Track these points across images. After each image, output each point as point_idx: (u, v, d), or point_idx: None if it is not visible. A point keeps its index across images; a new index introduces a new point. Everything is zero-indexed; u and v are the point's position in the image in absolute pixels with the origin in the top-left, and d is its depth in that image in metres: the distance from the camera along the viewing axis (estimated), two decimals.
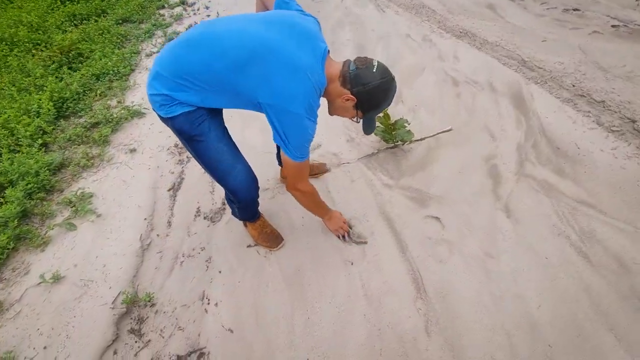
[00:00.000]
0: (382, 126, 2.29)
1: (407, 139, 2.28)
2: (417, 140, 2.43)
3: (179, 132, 1.37)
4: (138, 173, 2.47)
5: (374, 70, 1.23)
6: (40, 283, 1.77)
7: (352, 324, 1.55)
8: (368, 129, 1.45)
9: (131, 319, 1.67)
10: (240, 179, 1.49)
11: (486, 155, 2.25)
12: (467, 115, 2.58)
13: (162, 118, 1.35)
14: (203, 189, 2.28)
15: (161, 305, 1.71)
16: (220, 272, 1.82)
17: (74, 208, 2.19)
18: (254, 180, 1.56)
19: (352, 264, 1.78)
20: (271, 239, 1.89)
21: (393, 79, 1.28)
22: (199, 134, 1.36)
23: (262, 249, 1.90)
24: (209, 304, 1.70)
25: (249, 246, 1.92)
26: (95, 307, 1.69)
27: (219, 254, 1.90)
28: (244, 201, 1.62)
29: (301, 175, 1.46)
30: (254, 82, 1.20)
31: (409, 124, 2.31)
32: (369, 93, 1.24)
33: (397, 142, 2.35)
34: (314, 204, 1.70)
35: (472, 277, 1.64)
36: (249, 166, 1.53)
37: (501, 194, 2.00)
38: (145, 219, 2.13)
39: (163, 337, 1.59)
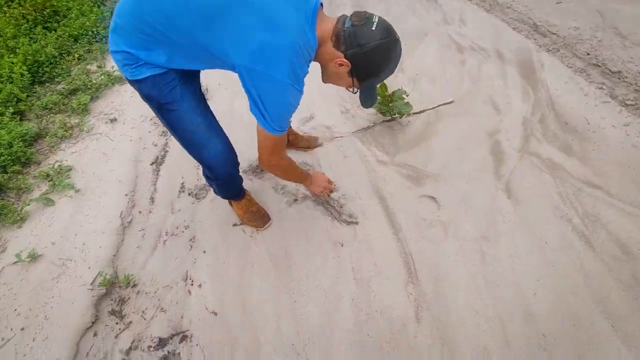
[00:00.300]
0: (379, 98, 2.11)
1: (405, 111, 2.11)
2: (416, 113, 2.26)
3: (147, 99, 1.20)
4: (119, 145, 2.32)
5: (373, 28, 1.00)
6: (16, 262, 1.68)
7: (340, 308, 1.49)
8: (366, 100, 1.23)
9: (112, 300, 1.60)
10: (215, 153, 1.34)
11: (489, 129, 2.09)
12: (471, 84, 2.39)
13: (128, 80, 1.18)
14: (188, 164, 2.13)
15: (143, 286, 1.64)
16: (204, 251, 1.74)
17: (51, 182, 2.07)
18: (231, 155, 1.41)
19: (342, 245, 1.69)
20: (257, 218, 1.79)
21: (397, 40, 1.05)
22: (170, 101, 1.19)
23: (248, 228, 1.80)
24: (192, 284, 1.63)
25: (234, 225, 1.82)
26: (74, 287, 1.62)
27: (203, 233, 1.81)
28: (220, 178, 1.49)
29: (277, 150, 1.24)
30: (225, 41, 1.01)
31: (407, 95, 2.13)
32: (366, 56, 1.02)
33: (395, 115, 2.18)
34: (293, 174, 1.52)
35: (466, 261, 1.56)
36: (227, 140, 1.38)
37: (503, 172, 1.87)
38: (126, 194, 2.01)
39: (145, 319, 1.53)
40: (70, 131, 2.42)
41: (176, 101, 1.20)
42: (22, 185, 2.06)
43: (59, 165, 2.16)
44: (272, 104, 1.07)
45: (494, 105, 2.23)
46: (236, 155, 1.44)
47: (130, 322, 1.53)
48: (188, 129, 1.27)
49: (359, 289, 1.53)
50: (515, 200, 1.75)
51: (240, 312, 1.52)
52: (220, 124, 1.38)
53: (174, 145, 2.28)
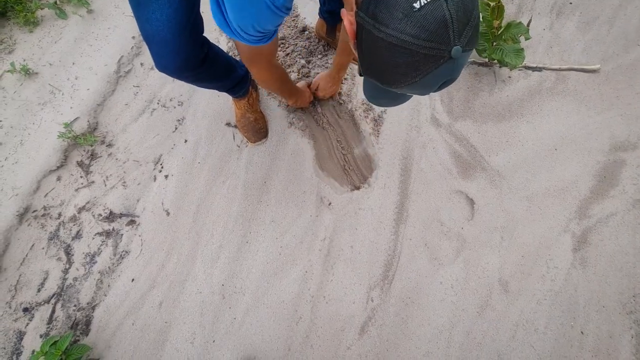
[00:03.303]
0: (482, 25, 1.31)
1: (513, 63, 1.32)
2: (529, 69, 1.44)
3: None
4: None
5: (416, 9, 0.44)
6: (9, 71, 1.53)
7: (288, 274, 1.22)
8: (365, 90, 0.70)
9: (84, 151, 1.45)
10: (149, 37, 0.85)
11: (619, 138, 1.30)
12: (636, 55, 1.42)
13: None
14: (212, 28, 1.65)
15: (116, 150, 1.45)
16: (185, 140, 1.45)
17: None
18: (174, 47, 0.86)
19: (329, 204, 1.30)
20: (252, 129, 1.39)
21: (440, 56, 0.46)
22: None
23: (239, 135, 1.44)
24: (160, 172, 1.41)
25: (227, 124, 1.46)
26: (53, 123, 1.47)
27: (193, 119, 1.48)
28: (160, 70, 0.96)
29: (250, 60, 0.91)
30: None
31: (528, 38, 1.29)
32: (374, 43, 0.50)
33: (494, 60, 1.40)
34: (273, 88, 1.18)
35: (458, 304, 1.14)
36: (179, 19, 0.83)
37: (594, 212, 1.20)
38: (134, 37, 1.65)
39: (105, 186, 1.40)
40: None
41: None
42: None
43: None
44: (236, 5, 0.65)
45: None
46: (187, 51, 0.89)
47: (93, 183, 1.40)
48: None
49: (318, 264, 1.22)
50: (582, 258, 1.15)
51: (191, 223, 1.31)
52: None
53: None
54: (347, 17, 0.55)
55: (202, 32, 0.94)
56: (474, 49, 1.28)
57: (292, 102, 1.33)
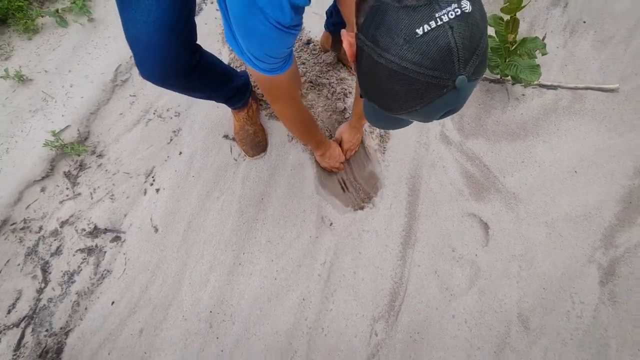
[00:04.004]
0: (495, 40, 1.24)
1: (529, 79, 1.24)
2: (543, 87, 1.37)
3: None
4: None
5: (420, 34, 0.39)
6: (2, 77, 1.47)
7: (284, 302, 1.10)
8: (367, 114, 0.62)
9: (72, 161, 1.37)
10: (133, 40, 0.78)
11: None
12: None
13: None
14: (213, 38, 1.60)
15: (107, 161, 1.36)
16: (180, 153, 1.36)
17: None
18: (160, 51, 0.77)
19: (330, 225, 1.20)
20: (251, 142, 1.31)
21: (446, 85, 0.41)
22: None
23: (237, 148, 1.35)
24: (151, 185, 1.31)
25: (225, 137, 1.37)
26: (42, 131, 1.39)
27: (190, 131, 1.40)
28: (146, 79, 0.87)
29: (273, 93, 0.84)
30: None
31: (545, 53, 1.22)
32: (374, 68, 0.45)
33: (508, 76, 1.32)
34: (300, 132, 1.06)
35: (473, 341, 1.01)
36: (165, 29, 0.75)
37: (621, 241, 1.09)
38: None
39: (92, 198, 1.30)
40: None
41: None
42: None
43: None
44: (242, 32, 0.60)
45: None
46: (167, 61, 0.79)
47: (79, 195, 1.31)
48: None
49: (317, 291, 1.10)
50: (612, 296, 1.03)
51: (180, 241, 1.20)
52: None
53: (212, 10, 1.71)
54: (347, 39, 0.49)
55: (195, 40, 0.86)
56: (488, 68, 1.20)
57: (319, 153, 1.20)
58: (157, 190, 1.29)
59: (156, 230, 1.23)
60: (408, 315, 1.05)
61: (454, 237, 1.13)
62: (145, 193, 1.30)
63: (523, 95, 1.36)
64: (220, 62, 1.05)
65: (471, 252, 1.11)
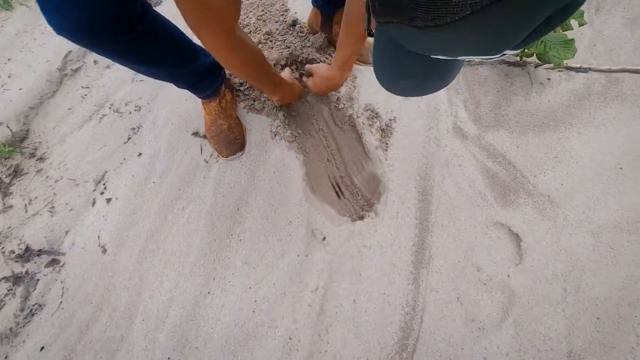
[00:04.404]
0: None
1: (560, 57, 1.02)
2: (571, 69, 1.16)
3: None
4: None
5: None
6: None
7: (263, 344, 0.84)
8: (380, 60, 0.40)
9: (4, 166, 1.11)
10: None
11: None
12: None
13: None
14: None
15: (49, 166, 1.11)
16: (139, 154, 1.11)
17: None
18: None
19: (323, 239, 0.95)
20: (226, 140, 1.06)
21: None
22: None
23: (209, 148, 1.11)
24: (102, 193, 1.06)
25: (194, 134, 1.13)
26: None
27: (152, 128, 1.16)
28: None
29: (199, 24, 0.61)
30: None
31: (583, 23, 1.00)
32: None
33: (531, 56, 1.11)
34: (248, 75, 0.85)
35: None
36: None
37: None
38: None
39: (26, 212, 1.04)
40: None
41: None
42: None
43: None
44: None
45: None
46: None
47: (10, 207, 1.05)
48: None
49: (308, 327, 0.85)
50: None
51: (134, 265, 0.95)
52: None
53: None
54: None
55: None
56: None
57: (277, 97, 1.01)
58: (109, 200, 1.04)
59: (104, 250, 0.97)
60: (425, 357, 0.80)
61: (478, 253, 0.90)
62: (93, 204, 1.04)
63: (548, 79, 1.15)
64: (181, 32, 0.82)
65: (501, 271, 0.87)
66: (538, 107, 1.10)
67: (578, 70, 1.15)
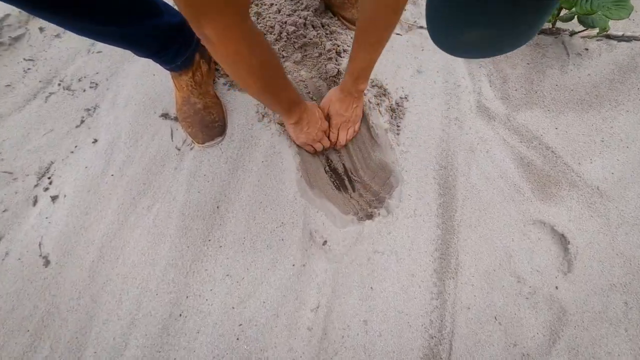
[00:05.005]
0: None
1: (606, 21, 0.85)
2: (612, 38, 0.98)
3: None
4: None
5: None
6: None
7: None
8: (435, 14, 0.29)
9: None
10: None
11: None
12: None
13: None
14: None
15: None
16: (95, 141, 0.90)
17: None
18: None
19: (323, 244, 0.77)
20: (202, 123, 0.86)
21: None
22: None
23: (181, 133, 0.90)
24: (46, 190, 0.85)
25: (163, 116, 0.92)
26: None
27: (111, 108, 0.94)
28: None
29: (198, 8, 0.42)
30: None
31: None
32: None
33: (570, 20, 0.92)
34: (255, 83, 0.59)
35: None
36: None
37: None
38: None
39: None
40: None
41: None
42: None
43: None
44: None
45: None
46: None
47: None
48: None
49: (307, 357, 0.67)
50: None
51: (85, 280, 0.74)
52: None
53: None
54: None
55: None
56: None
57: (293, 121, 0.77)
58: (54, 198, 0.83)
59: (47, 262, 0.76)
60: None
61: (517, 258, 0.73)
62: (34, 203, 0.83)
63: (586, 49, 0.97)
64: None
65: (547, 282, 0.70)
66: (577, 82, 0.92)
67: (620, 39, 0.98)
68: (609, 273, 0.70)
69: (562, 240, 0.74)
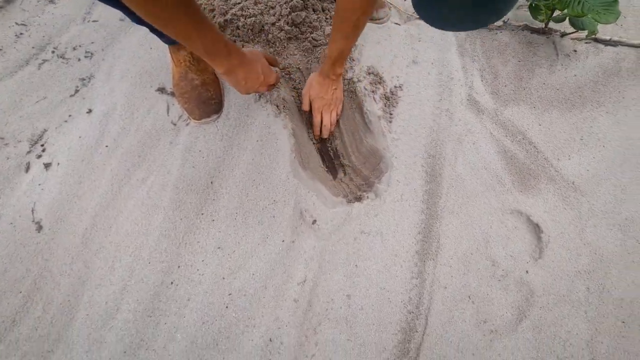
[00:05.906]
0: None
1: (595, 24, 0.88)
2: (599, 42, 1.02)
3: None
4: None
5: None
6: None
7: (237, 346, 0.69)
8: None
9: None
10: None
11: None
12: None
13: None
14: None
15: None
16: (89, 111, 0.90)
17: None
18: None
19: (313, 223, 0.80)
20: (198, 99, 0.86)
21: None
22: None
23: (177, 108, 0.90)
24: (39, 157, 0.85)
25: (159, 90, 0.92)
26: None
27: (107, 79, 0.94)
28: None
29: None
30: None
31: None
32: None
33: (562, 21, 0.96)
34: (170, 22, 0.50)
35: None
36: None
37: None
38: None
39: None
40: None
41: None
42: None
43: None
44: None
45: None
46: None
47: None
48: None
49: (292, 326, 0.71)
50: None
51: (78, 246, 0.76)
52: None
53: None
54: None
55: None
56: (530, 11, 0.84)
57: (221, 70, 0.65)
58: (47, 165, 0.83)
59: (40, 227, 0.77)
60: None
61: (493, 244, 0.78)
62: (27, 169, 0.83)
63: (574, 51, 1.01)
64: None
65: (519, 266, 0.76)
66: (564, 82, 0.96)
67: (607, 43, 1.02)
68: (576, 261, 0.76)
69: (536, 230, 0.79)
